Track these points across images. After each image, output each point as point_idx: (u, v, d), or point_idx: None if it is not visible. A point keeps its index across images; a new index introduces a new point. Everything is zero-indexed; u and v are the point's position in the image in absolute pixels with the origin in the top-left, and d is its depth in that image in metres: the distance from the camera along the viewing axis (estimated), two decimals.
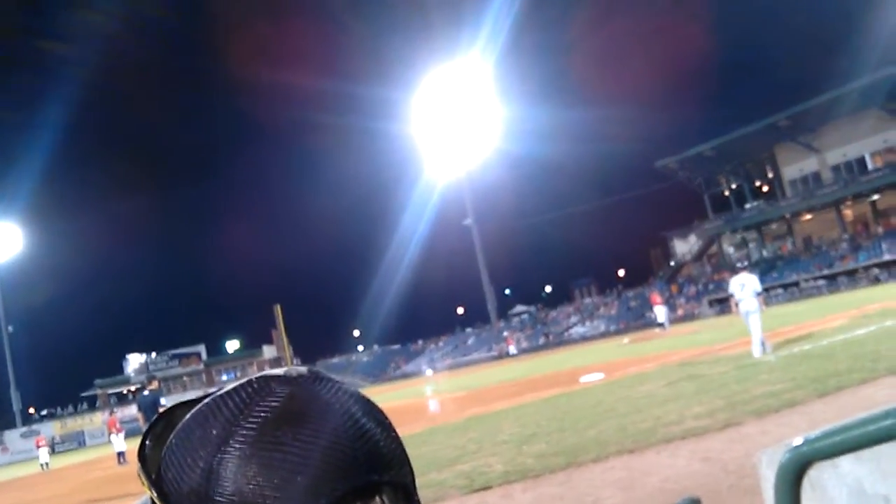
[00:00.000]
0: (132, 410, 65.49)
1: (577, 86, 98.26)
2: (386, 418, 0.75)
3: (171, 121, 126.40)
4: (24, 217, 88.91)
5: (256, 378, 0.72)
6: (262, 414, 0.67)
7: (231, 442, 0.66)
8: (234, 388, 0.71)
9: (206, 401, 0.72)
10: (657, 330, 46.69)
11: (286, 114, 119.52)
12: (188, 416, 0.72)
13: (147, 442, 0.75)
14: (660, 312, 46.62)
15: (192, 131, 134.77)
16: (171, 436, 0.72)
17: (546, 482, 8.12)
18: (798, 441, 1.01)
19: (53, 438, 63.03)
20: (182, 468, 0.67)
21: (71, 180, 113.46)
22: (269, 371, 0.73)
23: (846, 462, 2.24)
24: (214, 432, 0.67)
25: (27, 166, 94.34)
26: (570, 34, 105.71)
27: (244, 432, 0.66)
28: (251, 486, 0.64)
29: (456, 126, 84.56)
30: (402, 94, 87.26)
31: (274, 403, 0.68)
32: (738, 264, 19.12)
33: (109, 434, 30.62)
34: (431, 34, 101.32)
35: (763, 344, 16.29)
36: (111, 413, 45.75)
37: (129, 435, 30.31)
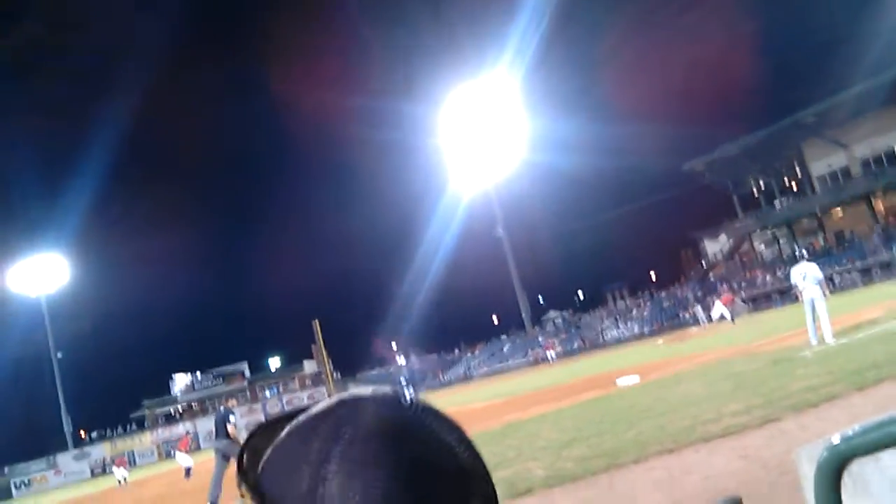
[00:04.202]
0: (179, 430, 66.29)
1: (602, 91, 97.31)
2: (464, 433, 0.77)
3: (208, 141, 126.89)
4: (70, 247, 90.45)
5: (347, 398, 0.75)
6: (359, 433, 0.69)
7: (332, 459, 0.68)
8: (329, 408, 0.74)
9: (300, 419, 0.75)
10: (724, 322, 47.11)
11: (320, 131, 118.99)
12: (284, 433, 0.75)
13: (245, 456, 0.78)
14: (722, 310, 47.08)
15: (228, 151, 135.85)
16: (270, 452, 0.75)
17: (587, 485, 8.14)
18: (836, 439, 1.02)
19: (104, 459, 64.83)
20: (286, 485, 0.70)
21: (113, 206, 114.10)
22: (356, 391, 0.77)
23: (888, 455, 2.28)
24: (316, 449, 0.70)
25: (72, 198, 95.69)
26: (595, 44, 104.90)
27: (342, 450, 0.68)
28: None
29: (484, 139, 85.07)
30: (433, 110, 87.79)
31: (368, 423, 0.70)
32: (798, 254, 19.28)
33: (177, 452, 31.36)
34: (460, 50, 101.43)
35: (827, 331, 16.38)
36: (187, 433, 48.23)
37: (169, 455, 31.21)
